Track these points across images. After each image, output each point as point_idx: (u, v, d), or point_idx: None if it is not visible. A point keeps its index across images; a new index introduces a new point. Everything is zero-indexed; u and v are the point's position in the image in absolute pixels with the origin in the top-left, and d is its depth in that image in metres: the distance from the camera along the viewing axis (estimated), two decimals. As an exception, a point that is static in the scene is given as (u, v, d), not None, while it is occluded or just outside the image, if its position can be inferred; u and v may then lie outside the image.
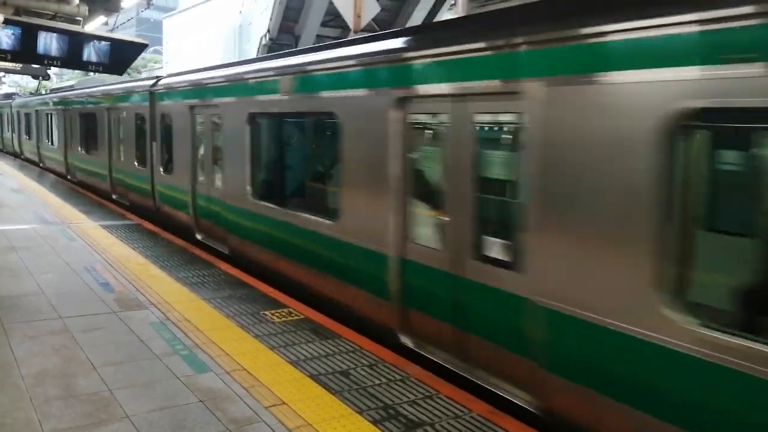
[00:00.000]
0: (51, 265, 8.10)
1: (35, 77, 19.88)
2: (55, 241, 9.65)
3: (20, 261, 8.26)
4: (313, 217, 6.88)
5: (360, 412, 4.33)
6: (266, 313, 6.45)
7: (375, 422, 4.19)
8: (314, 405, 4.40)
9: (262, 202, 8.05)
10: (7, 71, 19.81)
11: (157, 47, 76.54)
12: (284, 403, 4.42)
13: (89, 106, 15.76)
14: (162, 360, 5.14)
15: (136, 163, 12.65)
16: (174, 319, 6.15)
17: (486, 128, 4.89)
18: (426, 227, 5.42)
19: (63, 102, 18.14)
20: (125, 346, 5.41)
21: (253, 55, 16.01)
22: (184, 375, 4.84)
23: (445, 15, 15.97)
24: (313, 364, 5.15)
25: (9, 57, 7.32)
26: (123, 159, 13.48)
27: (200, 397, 4.48)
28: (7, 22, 6.58)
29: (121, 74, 8.51)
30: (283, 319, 6.28)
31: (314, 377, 4.88)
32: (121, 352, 5.29)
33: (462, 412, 4.38)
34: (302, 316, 6.36)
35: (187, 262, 8.58)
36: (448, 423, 4.22)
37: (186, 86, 10.35)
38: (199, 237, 10.10)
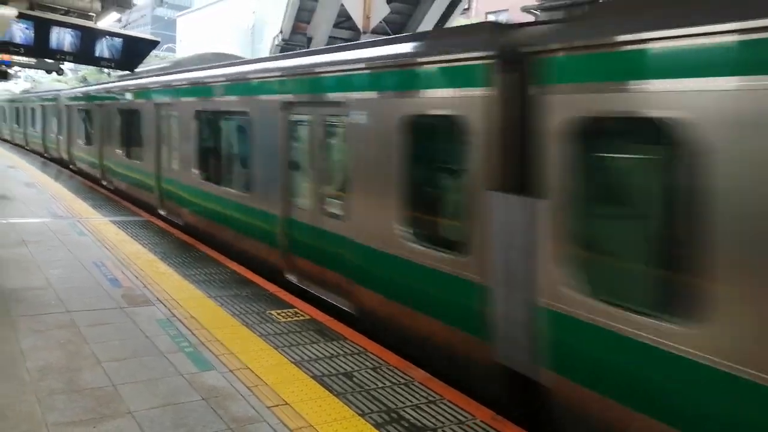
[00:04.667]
0: (60, 260, 8.15)
1: (48, 72, 20.20)
2: (65, 235, 9.70)
3: (30, 255, 8.31)
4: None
5: (362, 414, 4.31)
6: (272, 312, 6.44)
7: (377, 425, 4.17)
8: (317, 406, 4.39)
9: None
10: (22, 65, 20.05)
11: (170, 45, 76.99)
12: (287, 403, 4.41)
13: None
14: (167, 357, 5.14)
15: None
16: (180, 316, 6.16)
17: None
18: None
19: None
20: (131, 342, 5.43)
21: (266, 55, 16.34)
22: (188, 372, 4.85)
23: (457, 20, 15.97)
24: (317, 365, 5.14)
25: (23, 51, 7.37)
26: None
27: (203, 395, 4.47)
28: (21, 16, 6.62)
29: (132, 70, 8.54)
30: (289, 319, 6.27)
31: (318, 378, 4.87)
32: (127, 347, 5.30)
33: (465, 417, 4.34)
34: (308, 317, 6.35)
35: (194, 260, 8.60)
36: (451, 429, 4.19)
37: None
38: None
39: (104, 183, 16.04)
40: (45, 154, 24.53)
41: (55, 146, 22.74)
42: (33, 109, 27.07)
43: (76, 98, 19.39)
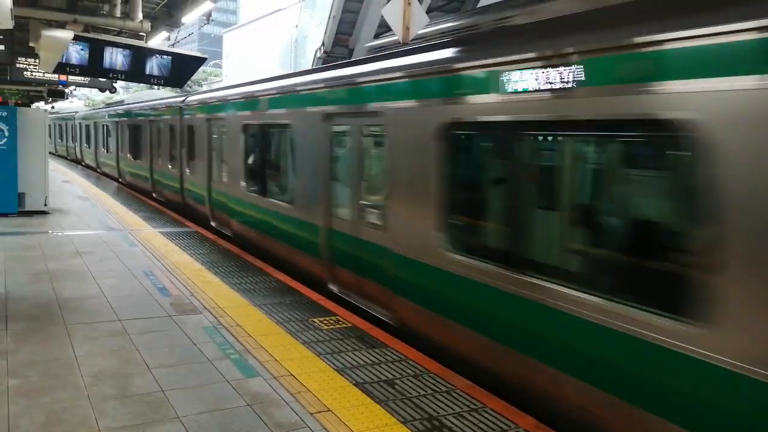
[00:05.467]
0: (112, 270, 8.46)
1: (102, 90, 20.97)
2: (118, 246, 10.07)
3: (84, 265, 8.66)
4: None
5: (404, 422, 4.32)
6: (315, 320, 6.53)
7: (419, 433, 4.18)
8: (359, 413, 4.43)
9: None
10: (77, 85, 20.93)
11: (217, 61, 78.97)
12: (329, 410, 4.46)
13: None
14: (213, 363, 5.27)
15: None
16: (226, 324, 6.31)
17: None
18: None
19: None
20: (179, 349, 5.59)
21: (308, 67, 16.68)
22: (234, 379, 4.96)
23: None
24: (360, 372, 5.18)
25: (78, 71, 7.74)
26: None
27: (248, 401, 4.57)
28: (77, 38, 6.95)
29: (181, 87, 8.85)
30: (331, 326, 6.34)
31: (360, 385, 4.91)
32: (175, 354, 5.46)
33: (508, 426, 4.31)
34: (350, 324, 6.41)
35: (240, 269, 8.80)
36: (494, 437, 4.16)
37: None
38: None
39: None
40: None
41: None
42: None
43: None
